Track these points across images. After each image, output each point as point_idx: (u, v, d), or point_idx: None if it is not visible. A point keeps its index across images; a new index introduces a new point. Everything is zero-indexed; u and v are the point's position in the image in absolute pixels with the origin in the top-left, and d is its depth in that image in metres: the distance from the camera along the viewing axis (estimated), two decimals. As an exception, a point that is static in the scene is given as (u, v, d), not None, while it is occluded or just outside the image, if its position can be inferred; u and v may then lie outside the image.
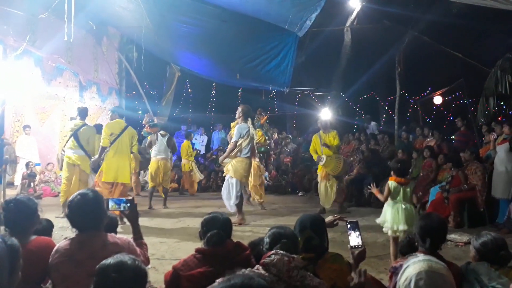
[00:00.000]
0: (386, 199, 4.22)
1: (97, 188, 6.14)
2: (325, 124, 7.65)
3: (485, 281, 2.23)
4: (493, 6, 5.39)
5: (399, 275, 2.05)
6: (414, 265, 1.95)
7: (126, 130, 6.40)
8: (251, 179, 7.71)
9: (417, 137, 9.73)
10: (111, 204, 2.57)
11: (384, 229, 4.25)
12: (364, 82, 13.10)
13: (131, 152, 6.61)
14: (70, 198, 2.42)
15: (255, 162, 7.92)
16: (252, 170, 7.47)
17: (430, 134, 9.08)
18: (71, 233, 2.39)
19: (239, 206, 6.48)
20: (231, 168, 6.51)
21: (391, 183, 4.15)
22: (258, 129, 8.24)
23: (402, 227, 4.01)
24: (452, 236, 5.49)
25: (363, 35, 12.25)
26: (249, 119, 6.69)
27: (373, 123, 12.96)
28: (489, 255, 2.40)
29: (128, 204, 2.64)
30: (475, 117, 9.72)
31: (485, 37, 10.41)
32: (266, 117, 8.80)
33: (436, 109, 13.29)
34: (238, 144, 6.44)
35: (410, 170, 8.34)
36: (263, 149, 8.13)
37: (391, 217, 4.11)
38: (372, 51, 12.81)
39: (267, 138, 8.29)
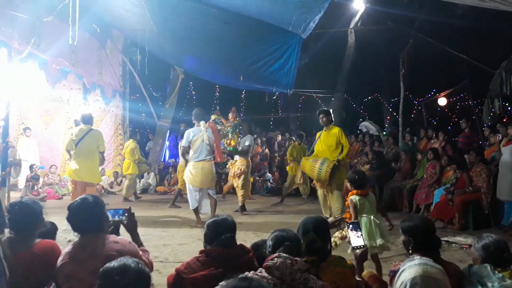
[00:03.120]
0: (356, 217, 3.80)
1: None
2: (325, 119, 6.54)
3: (488, 284, 2.21)
4: (496, 8, 5.37)
5: (396, 278, 2.04)
6: (410, 269, 1.95)
7: (88, 133, 6.73)
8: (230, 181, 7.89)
9: (421, 139, 9.69)
10: (108, 215, 2.58)
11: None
12: (368, 84, 13.11)
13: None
14: (71, 202, 2.45)
15: (235, 163, 7.95)
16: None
17: (434, 135, 9.04)
18: (74, 236, 2.40)
19: (194, 210, 6.64)
20: (186, 173, 6.71)
21: (354, 197, 3.84)
22: (226, 130, 8.08)
23: (379, 241, 3.72)
24: (457, 239, 5.46)
25: (367, 36, 12.25)
26: (202, 122, 6.72)
27: (364, 122, 13.03)
28: (491, 257, 2.37)
29: (126, 214, 2.65)
30: (480, 118, 9.67)
31: (489, 38, 10.37)
32: (230, 120, 8.22)
33: (441, 110, 13.27)
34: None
35: (414, 172, 8.32)
36: (231, 149, 7.92)
37: (365, 233, 3.73)
38: (376, 53, 12.82)
39: (230, 138, 7.92)
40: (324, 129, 6.54)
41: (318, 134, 6.75)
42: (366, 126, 13.12)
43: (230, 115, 8.12)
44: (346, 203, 3.96)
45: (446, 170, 7.43)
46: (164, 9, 8.32)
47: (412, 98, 13.28)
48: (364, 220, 3.83)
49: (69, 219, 2.39)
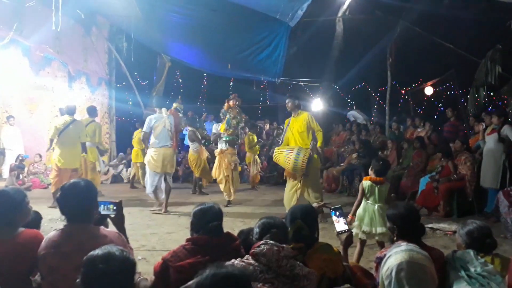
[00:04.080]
0: (360, 201, 3.98)
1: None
2: (291, 104, 6.42)
3: (471, 269, 2.26)
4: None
5: (382, 264, 2.07)
6: (396, 255, 1.97)
7: (72, 124, 7.06)
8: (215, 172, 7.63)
9: (407, 128, 9.78)
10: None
11: (354, 230, 3.86)
12: (355, 73, 13.12)
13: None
14: (63, 184, 2.39)
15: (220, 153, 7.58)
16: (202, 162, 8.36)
17: (421, 124, 9.13)
18: (60, 225, 2.35)
19: (155, 193, 6.82)
20: (146, 158, 6.83)
21: (365, 182, 3.94)
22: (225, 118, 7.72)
23: (380, 229, 3.79)
24: (441, 225, 5.56)
25: (355, 25, 12.24)
26: (164, 108, 6.88)
27: (352, 111, 13.09)
28: (475, 243, 2.43)
29: (115, 207, 2.58)
30: (465, 107, 9.78)
31: (475, 28, 10.44)
32: (230, 103, 7.75)
33: (427, 99, 13.36)
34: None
35: (400, 160, 8.41)
36: (228, 138, 7.58)
37: (367, 219, 3.87)
38: (364, 42, 12.82)
39: (227, 127, 7.64)
40: (292, 115, 6.39)
41: (286, 122, 6.54)
42: (354, 115, 13.19)
43: (231, 103, 7.67)
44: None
45: (431, 158, 7.52)
46: (150, -5, 8.20)
47: (399, 87, 13.35)
48: (368, 206, 3.92)
49: (59, 200, 2.33)
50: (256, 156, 10.24)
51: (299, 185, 6.10)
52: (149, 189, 6.81)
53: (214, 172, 7.68)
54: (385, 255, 2.16)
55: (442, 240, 5.00)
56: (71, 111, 7.27)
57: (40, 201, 7.27)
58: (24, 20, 8.47)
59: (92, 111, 8.30)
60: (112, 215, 2.58)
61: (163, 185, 6.83)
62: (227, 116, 7.52)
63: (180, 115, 7.92)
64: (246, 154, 10.39)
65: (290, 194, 6.21)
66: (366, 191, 3.92)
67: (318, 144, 6.18)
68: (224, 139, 7.49)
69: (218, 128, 7.90)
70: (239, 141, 8.23)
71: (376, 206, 3.85)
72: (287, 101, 6.50)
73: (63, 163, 6.98)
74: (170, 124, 6.72)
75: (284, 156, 6.03)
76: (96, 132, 8.08)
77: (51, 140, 7.15)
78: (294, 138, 6.24)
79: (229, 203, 7.53)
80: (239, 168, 8.53)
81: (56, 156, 7.01)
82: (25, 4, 7.87)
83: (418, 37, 10.97)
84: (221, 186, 7.56)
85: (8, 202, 2.40)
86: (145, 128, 6.75)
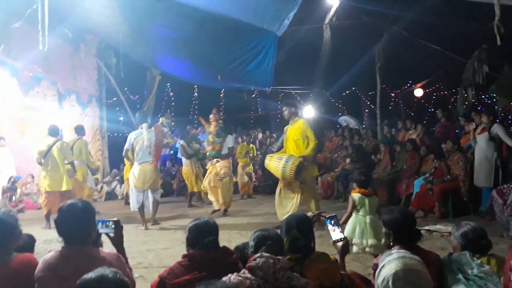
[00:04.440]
0: (350, 214, 3.98)
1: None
2: (288, 112, 6.32)
3: (468, 271, 2.27)
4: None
5: (376, 274, 2.06)
6: (390, 264, 1.97)
7: (55, 145, 6.95)
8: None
9: (399, 130, 9.84)
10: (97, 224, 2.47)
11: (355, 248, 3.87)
12: (345, 78, 13.20)
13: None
14: (61, 205, 2.35)
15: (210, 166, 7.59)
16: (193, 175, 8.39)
17: (413, 127, 9.19)
18: (56, 246, 2.32)
19: (140, 210, 6.76)
20: (129, 175, 6.92)
21: (355, 195, 3.94)
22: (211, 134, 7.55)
23: (371, 241, 3.79)
24: (437, 227, 5.57)
25: (343, 31, 12.32)
26: (144, 124, 6.93)
27: (343, 116, 13.15)
28: (470, 244, 2.43)
29: (113, 226, 2.50)
30: (455, 108, 9.86)
31: (461, 29, 10.57)
32: (210, 118, 7.74)
33: (417, 101, 13.49)
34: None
35: (394, 163, 8.44)
36: (212, 153, 7.45)
37: (359, 231, 3.86)
38: (352, 47, 12.90)
39: (206, 144, 7.63)
40: (290, 123, 6.34)
41: (285, 128, 6.54)
42: (346, 120, 13.24)
43: (211, 117, 7.67)
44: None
45: (425, 160, 7.55)
46: (137, 10, 8.18)
47: (389, 91, 13.46)
48: (358, 218, 3.91)
49: (57, 222, 2.29)
50: (250, 167, 10.27)
51: (299, 195, 5.99)
52: (134, 206, 6.78)
53: (203, 183, 7.71)
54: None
55: (440, 242, 5.01)
56: (54, 132, 7.17)
57: (33, 222, 7.21)
58: (11, 41, 8.43)
59: (80, 130, 8.17)
60: (111, 234, 2.51)
61: (150, 202, 6.79)
62: (212, 133, 7.57)
63: (166, 129, 8.04)
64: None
65: (284, 203, 6.11)
66: (356, 203, 3.90)
67: (307, 151, 6.00)
68: (209, 155, 7.58)
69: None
70: (234, 151, 8.20)
71: (367, 218, 3.84)
72: (284, 108, 6.40)
73: (49, 186, 6.91)
74: (149, 139, 6.71)
75: (274, 163, 5.99)
76: (82, 150, 7.90)
77: (40, 164, 7.07)
78: (290, 145, 6.22)
79: (225, 212, 7.54)
80: (234, 179, 8.46)
81: (42, 180, 6.97)
82: (12, 25, 7.84)
83: (405, 40, 11.08)
84: (209, 196, 7.67)
85: (3, 229, 2.37)
86: (126, 145, 6.82)
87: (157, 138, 6.86)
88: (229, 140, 7.68)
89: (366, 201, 3.90)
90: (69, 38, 10.48)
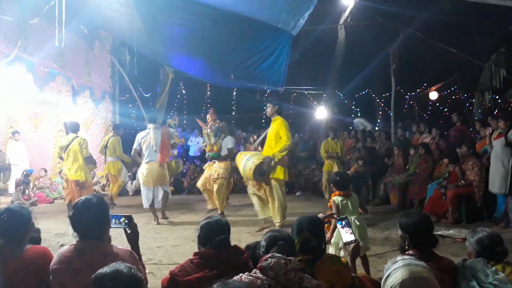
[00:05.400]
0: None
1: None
2: (270, 109, 6.07)
3: (482, 278, 2.23)
4: (484, 1, 5.39)
5: (382, 283, 2.02)
6: (396, 273, 1.93)
7: (74, 140, 7.32)
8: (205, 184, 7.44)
9: (413, 134, 9.73)
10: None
11: (331, 250, 3.71)
12: (359, 80, 13.13)
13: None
14: (76, 201, 2.40)
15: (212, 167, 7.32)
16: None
17: (427, 130, 9.08)
18: (67, 239, 2.35)
19: (151, 208, 6.94)
20: (138, 173, 7.14)
21: (337, 198, 3.85)
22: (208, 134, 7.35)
23: (360, 243, 3.78)
24: (450, 232, 5.49)
25: (357, 32, 12.25)
26: (152, 124, 7.11)
27: (359, 119, 13.04)
28: (485, 251, 2.38)
29: (126, 221, 2.53)
30: (470, 112, 9.72)
31: (478, 32, 10.42)
32: (208, 119, 7.57)
33: (432, 104, 13.33)
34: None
35: (407, 167, 8.35)
36: (213, 154, 7.21)
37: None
38: (367, 48, 12.82)
39: (205, 145, 7.40)
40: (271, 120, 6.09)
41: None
42: (362, 123, 13.10)
43: (209, 117, 7.53)
44: (329, 204, 3.95)
45: (438, 164, 7.46)
46: (152, 8, 8.23)
47: (404, 93, 13.32)
48: None
49: (72, 218, 2.33)
50: None
51: (262, 193, 5.87)
52: (146, 203, 6.98)
53: (198, 183, 7.64)
54: None
55: (452, 248, 4.94)
56: (75, 129, 7.49)
57: (46, 216, 7.31)
58: (28, 37, 8.56)
59: (116, 127, 9.15)
60: (128, 230, 2.55)
61: (160, 195, 7.03)
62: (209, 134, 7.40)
63: (173, 130, 8.28)
64: None
65: (259, 199, 6.01)
66: (340, 206, 3.82)
67: (275, 151, 5.72)
68: (208, 156, 7.43)
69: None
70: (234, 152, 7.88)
71: (353, 218, 3.76)
72: (267, 105, 6.05)
73: (70, 176, 7.29)
74: (155, 139, 6.95)
75: (241, 160, 5.81)
76: (116, 146, 8.80)
77: (61, 158, 7.52)
78: (267, 145, 5.95)
79: (222, 215, 7.02)
80: (232, 181, 8.00)
81: (65, 170, 7.40)
82: (29, 21, 7.94)
83: (421, 42, 10.97)
84: (204, 194, 7.56)
85: (17, 221, 2.44)
86: (134, 145, 7.09)
87: (164, 138, 7.13)
88: (229, 141, 7.28)
89: (349, 202, 3.84)
90: (84, 35, 10.59)
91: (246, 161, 5.61)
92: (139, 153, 7.15)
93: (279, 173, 5.77)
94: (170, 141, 7.66)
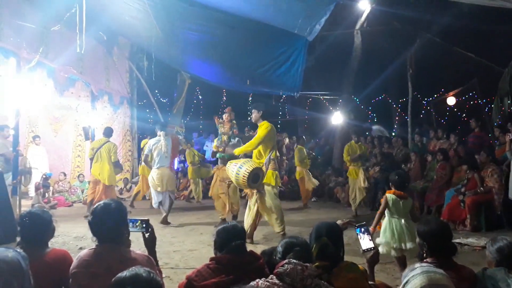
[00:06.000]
0: (382, 213, 3.91)
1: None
2: (255, 114, 5.96)
3: (503, 287, 2.18)
4: (503, 6, 5.31)
5: None
6: (414, 280, 1.91)
7: (105, 144, 7.93)
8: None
9: (430, 139, 9.61)
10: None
11: (382, 250, 3.78)
12: (375, 85, 13.04)
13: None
14: (95, 205, 2.44)
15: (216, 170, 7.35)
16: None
17: (444, 136, 8.96)
18: (86, 243, 2.39)
19: (160, 207, 7.38)
20: (149, 178, 7.47)
21: (390, 196, 3.86)
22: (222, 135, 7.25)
23: (409, 245, 3.70)
24: (469, 240, 5.40)
25: (374, 37, 12.19)
26: (162, 132, 7.48)
27: (377, 126, 12.91)
28: (505, 260, 2.34)
29: (144, 225, 2.55)
30: (489, 117, 9.56)
31: (497, 36, 10.26)
32: (224, 117, 7.43)
33: (450, 110, 13.15)
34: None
35: (425, 173, 8.24)
36: (221, 155, 7.10)
37: (397, 234, 3.78)
38: (383, 53, 12.74)
39: (219, 144, 7.22)
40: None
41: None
42: (381, 131, 13.00)
43: (226, 117, 7.34)
44: (381, 200, 4.01)
45: (457, 170, 7.35)
46: (170, 14, 8.34)
47: (421, 98, 13.17)
48: (394, 221, 3.87)
49: (91, 222, 2.37)
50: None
51: (254, 202, 5.68)
52: (156, 204, 7.47)
53: (211, 189, 7.44)
54: None
55: (471, 256, 4.86)
56: (108, 133, 8.14)
57: (65, 219, 7.42)
58: (49, 43, 8.74)
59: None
60: (146, 234, 2.58)
61: (167, 203, 7.37)
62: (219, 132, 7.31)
63: (180, 137, 8.79)
64: (296, 169, 9.87)
65: (246, 210, 5.88)
66: (390, 205, 3.84)
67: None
68: (218, 156, 7.25)
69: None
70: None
71: (403, 221, 3.78)
72: (252, 111, 5.95)
73: (96, 175, 7.84)
74: (166, 146, 7.35)
75: (232, 168, 5.64)
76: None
77: (90, 159, 8.04)
78: (255, 151, 5.84)
79: (234, 218, 7.12)
80: None
81: (93, 169, 7.91)
82: (50, 28, 8.13)
83: (438, 47, 10.85)
84: (215, 203, 7.29)
85: (39, 224, 2.50)
86: (145, 151, 7.53)
87: (173, 144, 7.57)
88: (239, 144, 7.11)
89: (401, 203, 3.83)
90: (104, 41, 10.78)
91: (238, 169, 5.47)
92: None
93: (270, 178, 5.68)
94: (178, 147, 8.19)
